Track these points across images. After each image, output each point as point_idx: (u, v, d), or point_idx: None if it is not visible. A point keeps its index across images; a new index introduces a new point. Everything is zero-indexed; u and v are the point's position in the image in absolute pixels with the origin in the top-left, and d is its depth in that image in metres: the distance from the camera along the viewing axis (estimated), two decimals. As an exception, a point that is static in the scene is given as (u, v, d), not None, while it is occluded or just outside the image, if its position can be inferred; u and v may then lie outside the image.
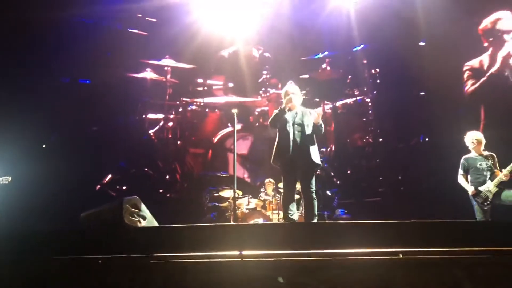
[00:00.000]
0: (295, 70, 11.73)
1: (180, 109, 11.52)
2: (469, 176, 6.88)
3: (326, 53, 11.60)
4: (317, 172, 7.14)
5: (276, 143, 6.21)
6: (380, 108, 11.12)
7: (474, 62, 10.05)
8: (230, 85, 11.90)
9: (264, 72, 11.65)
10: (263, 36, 12.01)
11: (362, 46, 11.34)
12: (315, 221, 6.03)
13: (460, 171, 6.96)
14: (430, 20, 10.27)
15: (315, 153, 6.12)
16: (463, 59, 10.25)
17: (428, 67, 10.38)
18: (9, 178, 7.59)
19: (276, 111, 6.20)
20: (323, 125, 6.22)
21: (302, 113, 6.23)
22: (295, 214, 6.18)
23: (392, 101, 11.04)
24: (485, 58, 10.01)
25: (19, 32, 10.06)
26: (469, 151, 6.99)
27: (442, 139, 9.91)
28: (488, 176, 6.70)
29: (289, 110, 6.19)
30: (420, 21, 10.36)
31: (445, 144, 9.30)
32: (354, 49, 11.49)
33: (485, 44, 10.05)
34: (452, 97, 10.36)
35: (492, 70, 9.83)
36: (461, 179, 6.94)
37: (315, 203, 6.06)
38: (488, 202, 6.60)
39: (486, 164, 6.78)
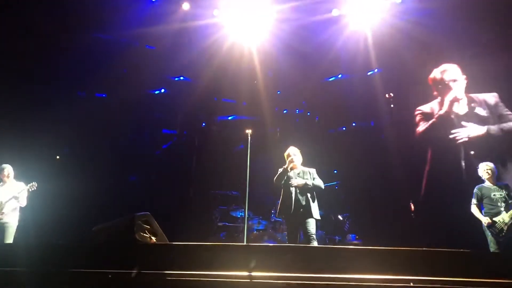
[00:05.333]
0: (309, 91, 11.81)
1: (194, 126, 11.59)
2: (482, 206, 6.80)
3: (340, 76, 11.66)
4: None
5: (280, 199, 6.93)
6: (394, 132, 11.08)
7: (425, 107, 10.60)
8: (244, 104, 11.95)
9: (278, 92, 11.69)
10: (279, 56, 12.11)
11: (376, 70, 11.38)
12: None
13: (473, 201, 6.88)
14: (446, 45, 10.29)
15: (315, 210, 6.74)
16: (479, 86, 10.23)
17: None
18: (35, 184, 7.74)
19: (280, 169, 6.92)
20: (319, 183, 6.81)
21: (303, 172, 6.96)
22: None
23: (406, 126, 11.00)
24: (434, 104, 10.51)
25: (37, 44, 10.23)
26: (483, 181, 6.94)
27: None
28: (503, 207, 6.62)
29: (291, 169, 6.93)
30: (436, 47, 10.39)
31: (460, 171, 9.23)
32: (369, 73, 11.53)
33: (435, 93, 10.49)
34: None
35: (441, 112, 10.36)
36: (474, 209, 6.85)
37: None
38: (503, 233, 6.51)
39: (500, 194, 6.70)
